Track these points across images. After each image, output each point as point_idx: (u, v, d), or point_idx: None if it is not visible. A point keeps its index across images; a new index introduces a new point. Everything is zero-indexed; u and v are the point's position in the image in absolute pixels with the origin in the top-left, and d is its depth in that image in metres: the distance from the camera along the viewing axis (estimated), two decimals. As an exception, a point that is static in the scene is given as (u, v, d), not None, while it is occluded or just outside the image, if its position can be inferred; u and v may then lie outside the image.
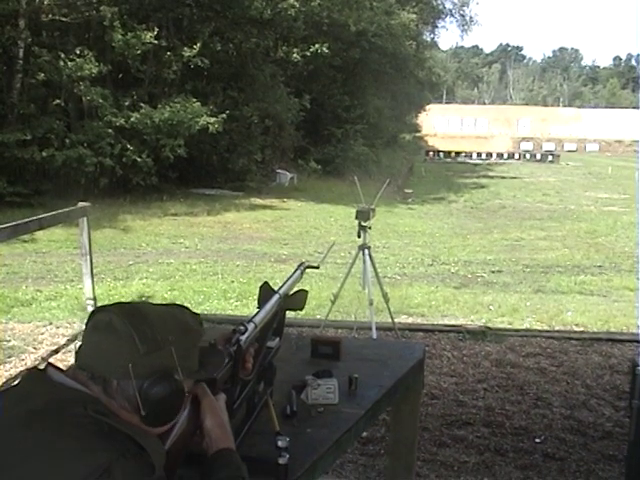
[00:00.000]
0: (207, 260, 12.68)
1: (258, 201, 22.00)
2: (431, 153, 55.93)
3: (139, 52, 20.84)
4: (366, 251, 7.06)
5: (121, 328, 1.63)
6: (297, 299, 2.58)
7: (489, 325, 8.08)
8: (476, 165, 49.76)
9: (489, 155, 56.70)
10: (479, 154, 56.72)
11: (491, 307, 9.18)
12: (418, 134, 66.33)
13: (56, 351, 6.92)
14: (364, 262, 7.06)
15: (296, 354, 3.18)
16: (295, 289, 2.64)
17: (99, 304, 8.44)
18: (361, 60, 32.29)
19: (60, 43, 20.42)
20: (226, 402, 1.93)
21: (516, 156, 58.16)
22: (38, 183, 19.36)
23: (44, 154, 18.88)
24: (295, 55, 26.04)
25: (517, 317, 8.76)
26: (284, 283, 2.60)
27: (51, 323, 7.85)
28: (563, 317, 8.75)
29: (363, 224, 7.06)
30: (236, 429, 2.14)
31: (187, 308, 1.84)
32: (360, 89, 34.54)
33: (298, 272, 2.74)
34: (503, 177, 37.87)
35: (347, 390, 2.81)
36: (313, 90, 29.99)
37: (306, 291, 2.62)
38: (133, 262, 12.31)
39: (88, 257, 8.25)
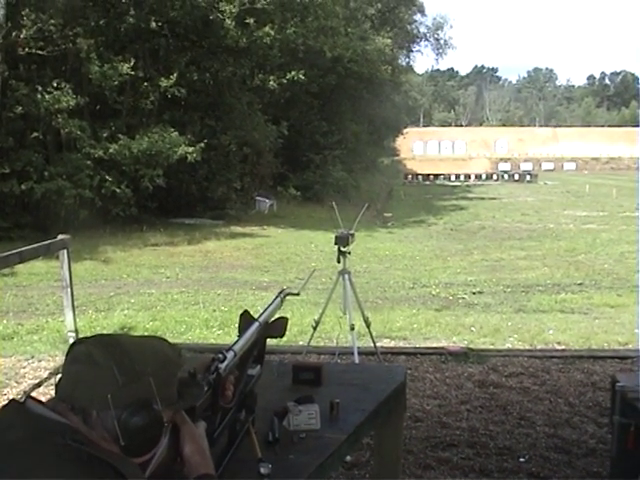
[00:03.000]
0: (188, 289, 12.66)
1: (238, 229, 22.02)
2: (410, 176, 56.27)
3: (116, 83, 20.91)
4: (346, 276, 7.07)
5: (100, 360, 1.65)
6: (278, 326, 2.60)
7: (471, 346, 8.10)
8: (455, 187, 50.04)
9: (467, 177, 57.13)
10: (457, 176, 57.14)
11: (473, 328, 9.20)
12: (396, 158, 66.67)
13: (38, 385, 6.88)
14: (344, 287, 7.07)
15: (278, 381, 3.19)
16: (276, 316, 2.65)
17: (81, 336, 8.41)
18: (337, 86, 32.48)
19: (37, 76, 20.42)
20: (207, 430, 1.94)
21: (494, 177, 58.63)
22: (18, 216, 19.31)
23: (23, 187, 18.87)
24: (272, 82, 26.14)
25: (499, 337, 8.78)
26: (264, 311, 2.62)
27: (33, 357, 7.80)
28: (545, 336, 8.78)
29: (343, 249, 7.07)
30: (218, 457, 2.16)
31: (165, 340, 1.86)
32: (337, 115, 34.71)
33: (278, 299, 2.76)
34: (482, 198, 38.10)
35: (329, 415, 2.83)
36: (290, 117, 30.11)
37: (286, 318, 2.63)
38: (114, 293, 12.27)
39: (69, 290, 8.22)
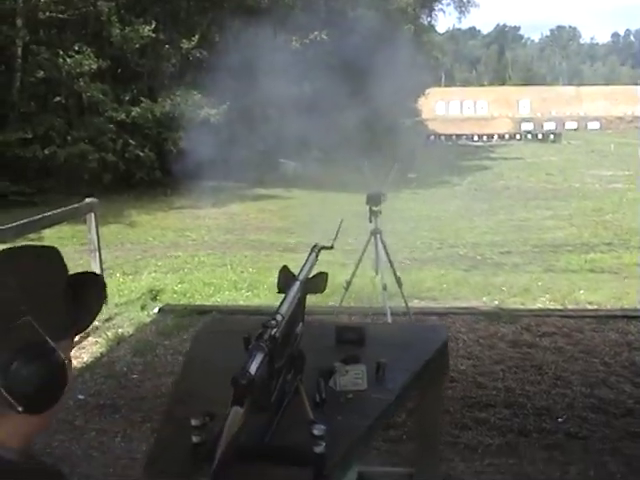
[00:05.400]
0: (215, 252, 12.63)
1: (262, 191, 21.96)
2: (432, 137, 55.79)
3: (137, 46, 20.82)
4: (378, 236, 7.00)
5: None
6: (318, 282, 2.55)
7: (502, 306, 8.04)
8: (478, 147, 49.60)
9: (490, 137, 56.60)
10: (480, 136, 56.59)
11: (503, 288, 9.12)
12: (418, 118, 66.15)
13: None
14: (376, 247, 6.99)
15: (320, 341, 3.14)
16: (314, 272, 2.60)
17: (109, 300, 8.41)
18: (359, 46, 32.18)
19: (58, 40, 20.36)
20: (264, 396, 1.88)
21: (517, 137, 57.97)
22: (41, 181, 19.32)
23: (46, 152, 18.90)
24: (294, 43, 25.92)
25: (529, 297, 8.71)
26: (302, 268, 2.58)
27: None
28: (576, 295, 8.70)
29: (374, 209, 6.99)
30: (268, 419, 2.12)
31: (27, 247, 1.47)
32: (359, 75, 34.42)
33: (313, 255, 2.72)
34: (505, 158, 37.73)
35: (374, 376, 2.77)
36: (313, 77, 29.89)
37: (326, 273, 2.57)
38: (141, 257, 12.28)
39: (97, 253, 8.23)
